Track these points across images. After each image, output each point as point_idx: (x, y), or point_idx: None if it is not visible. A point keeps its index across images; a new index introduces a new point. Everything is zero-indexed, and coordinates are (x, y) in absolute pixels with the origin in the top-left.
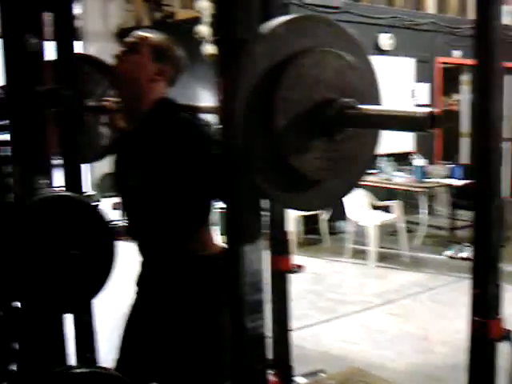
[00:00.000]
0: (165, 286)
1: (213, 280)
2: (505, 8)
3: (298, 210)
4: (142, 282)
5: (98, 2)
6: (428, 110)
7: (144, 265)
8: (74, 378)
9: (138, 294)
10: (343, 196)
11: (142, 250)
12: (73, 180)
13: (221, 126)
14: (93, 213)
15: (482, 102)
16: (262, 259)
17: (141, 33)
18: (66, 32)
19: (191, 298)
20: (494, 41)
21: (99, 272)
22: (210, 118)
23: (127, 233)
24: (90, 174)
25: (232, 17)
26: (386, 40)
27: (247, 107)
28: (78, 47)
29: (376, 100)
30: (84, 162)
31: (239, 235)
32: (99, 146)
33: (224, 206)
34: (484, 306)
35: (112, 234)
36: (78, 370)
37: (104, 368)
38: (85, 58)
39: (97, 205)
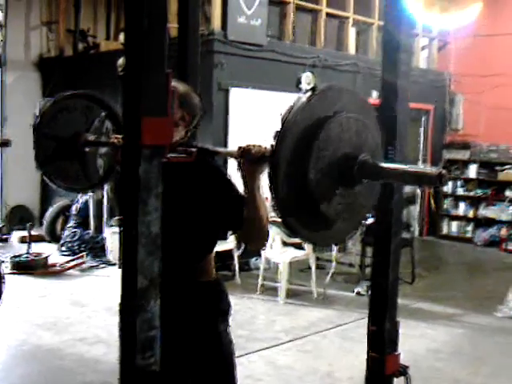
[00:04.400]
0: (171, 308)
1: (213, 303)
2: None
3: (320, 245)
4: None
5: (20, 30)
6: (437, 169)
7: None
8: None
9: None
10: (353, 233)
11: None
12: None
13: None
14: None
15: (387, 141)
16: (158, 296)
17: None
18: None
19: (194, 318)
20: (397, 82)
21: None
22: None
23: None
24: None
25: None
26: (307, 79)
27: (287, 164)
28: None
29: (380, 152)
30: (82, 191)
31: (134, 272)
32: (97, 176)
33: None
34: (380, 342)
35: None
36: None
37: None
38: (85, 95)
39: None
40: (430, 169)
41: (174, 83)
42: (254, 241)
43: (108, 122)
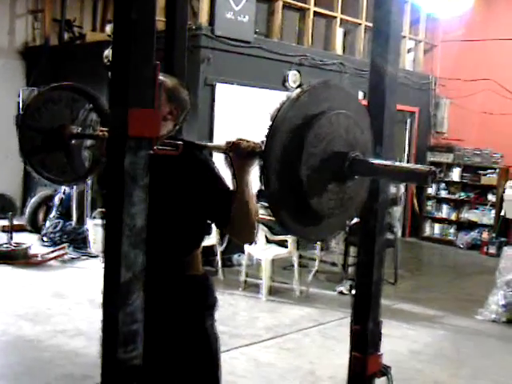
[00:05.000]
0: (158, 302)
1: (200, 298)
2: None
3: (311, 240)
4: None
5: (5, 17)
6: (428, 167)
7: None
8: None
9: None
10: (343, 228)
11: None
12: None
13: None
14: None
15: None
16: (141, 290)
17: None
18: None
19: (181, 312)
20: (386, 84)
21: None
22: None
23: None
24: None
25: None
26: (293, 77)
27: (278, 160)
28: None
29: (370, 149)
30: (67, 184)
31: (118, 264)
32: (83, 169)
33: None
34: (363, 342)
35: None
36: None
37: None
38: (70, 87)
39: None
40: (420, 166)
41: (162, 77)
42: (242, 235)
43: (93, 114)
